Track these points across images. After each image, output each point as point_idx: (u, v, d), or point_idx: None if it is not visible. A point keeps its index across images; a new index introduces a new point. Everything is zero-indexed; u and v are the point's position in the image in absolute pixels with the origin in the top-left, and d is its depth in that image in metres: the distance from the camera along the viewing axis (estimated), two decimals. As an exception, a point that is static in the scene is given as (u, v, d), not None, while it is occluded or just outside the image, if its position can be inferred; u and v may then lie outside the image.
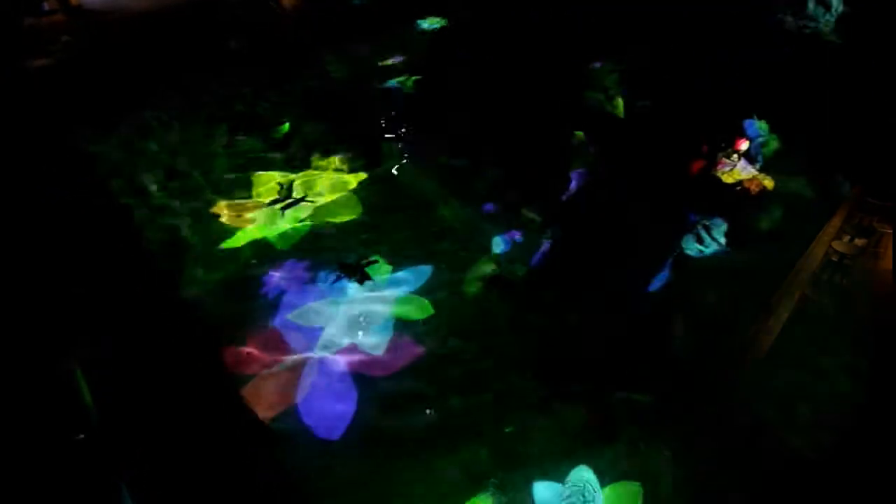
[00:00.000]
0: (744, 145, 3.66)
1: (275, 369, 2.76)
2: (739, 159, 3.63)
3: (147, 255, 3.29)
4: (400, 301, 3.05)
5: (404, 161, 3.99)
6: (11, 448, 2.24)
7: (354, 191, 3.74)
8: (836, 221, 3.31)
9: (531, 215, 3.49)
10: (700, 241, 3.24)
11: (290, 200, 3.65)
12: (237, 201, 3.69)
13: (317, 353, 2.82)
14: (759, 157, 3.69)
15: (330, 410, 2.61)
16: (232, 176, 3.86)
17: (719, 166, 3.63)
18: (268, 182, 3.82)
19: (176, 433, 2.44)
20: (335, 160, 3.95)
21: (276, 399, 2.64)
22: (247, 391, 2.65)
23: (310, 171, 3.89)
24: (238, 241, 3.42)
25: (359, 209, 3.61)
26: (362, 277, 3.15)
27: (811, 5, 4.04)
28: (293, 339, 2.89)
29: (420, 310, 3.01)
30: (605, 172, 3.72)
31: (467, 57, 4.77)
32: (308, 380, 2.72)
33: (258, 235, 3.44)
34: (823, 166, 3.58)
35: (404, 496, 2.34)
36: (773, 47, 4.10)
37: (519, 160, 3.88)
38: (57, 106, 4.27)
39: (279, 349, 2.83)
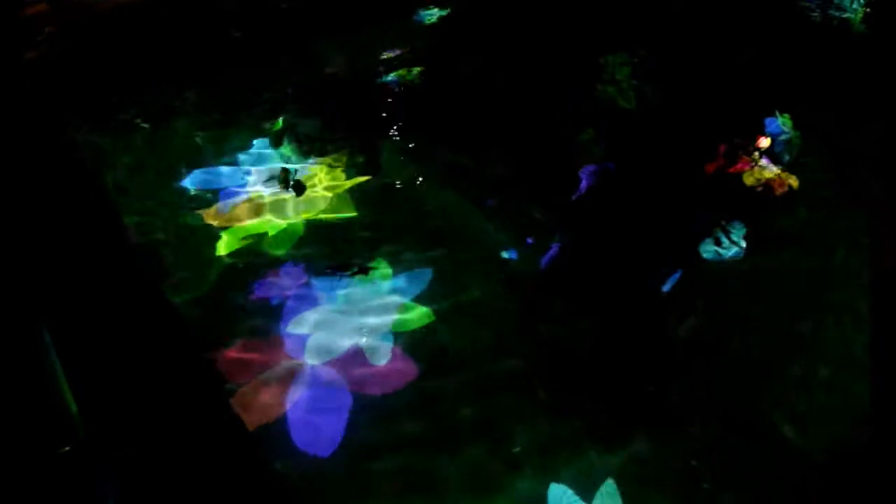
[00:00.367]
0: (765, 142, 3.57)
1: (266, 377, 2.71)
2: (761, 157, 3.53)
3: (135, 256, 3.27)
4: (400, 308, 3.00)
5: (405, 158, 3.94)
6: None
7: (352, 189, 3.70)
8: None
9: (539, 216, 3.43)
10: (718, 243, 3.16)
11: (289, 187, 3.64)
12: (231, 200, 3.67)
13: (311, 362, 2.77)
14: (784, 155, 3.59)
15: (320, 424, 2.55)
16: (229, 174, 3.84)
17: (740, 165, 3.53)
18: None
19: (164, 445, 2.38)
20: (332, 157, 3.92)
21: (266, 408, 2.59)
22: (237, 399, 2.61)
23: (307, 168, 3.86)
24: (232, 241, 3.40)
25: (356, 209, 3.57)
26: (357, 279, 3.10)
27: (838, -7, 3.99)
28: (288, 346, 2.84)
29: (421, 317, 2.95)
30: (618, 170, 3.64)
31: (472, 48, 4.71)
32: (299, 390, 2.67)
33: (252, 234, 3.43)
34: (851, 165, 3.48)
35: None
36: (797, 38, 4.05)
37: (526, 157, 3.81)
38: (43, 101, 4.21)
39: (273, 356, 2.79)
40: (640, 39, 4.38)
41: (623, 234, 3.29)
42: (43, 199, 3.39)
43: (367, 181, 3.76)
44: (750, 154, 3.54)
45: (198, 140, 4.13)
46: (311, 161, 3.90)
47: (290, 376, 2.71)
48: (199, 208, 3.59)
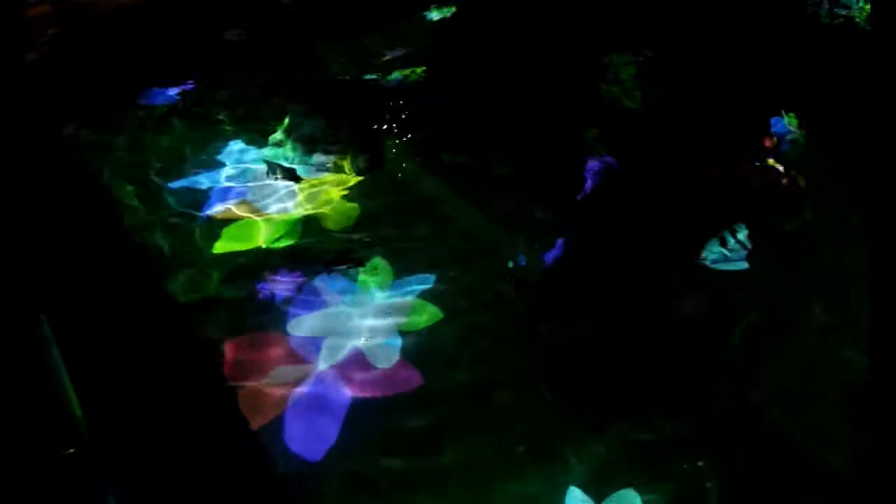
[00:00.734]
0: (771, 142, 3.59)
1: (265, 378, 2.69)
2: (767, 157, 3.53)
3: (135, 256, 3.28)
4: (404, 308, 2.99)
5: (408, 158, 3.94)
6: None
7: (355, 190, 3.71)
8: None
9: (543, 215, 3.42)
10: (724, 244, 3.16)
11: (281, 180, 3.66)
12: (232, 201, 3.67)
13: (311, 364, 2.76)
14: (790, 155, 3.60)
15: (315, 428, 2.53)
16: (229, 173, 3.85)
17: (745, 165, 3.53)
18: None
19: (167, 446, 2.40)
20: (335, 157, 3.90)
21: (264, 409, 2.57)
22: (239, 399, 2.60)
23: (308, 169, 3.86)
24: (232, 242, 3.40)
25: (359, 209, 3.57)
26: (357, 277, 3.10)
27: (844, -9, 3.98)
28: (289, 347, 2.82)
29: (425, 317, 2.93)
30: (622, 170, 3.64)
31: (476, 48, 4.71)
32: (297, 392, 2.65)
33: (252, 234, 3.43)
34: (857, 164, 3.48)
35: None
36: (801, 37, 4.03)
37: (531, 157, 3.80)
38: (45, 103, 4.27)
39: (273, 357, 2.77)
40: (643, 39, 4.37)
41: (627, 234, 3.27)
42: (43, 198, 3.41)
43: (370, 181, 3.77)
44: (755, 154, 3.53)
45: (199, 140, 4.13)
46: (314, 161, 3.90)
47: (290, 378, 2.70)
48: (198, 209, 3.59)
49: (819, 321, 2.82)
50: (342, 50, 5.08)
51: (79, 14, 4.93)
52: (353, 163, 3.87)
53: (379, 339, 2.85)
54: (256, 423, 2.53)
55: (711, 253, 3.14)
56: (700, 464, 2.32)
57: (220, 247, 3.36)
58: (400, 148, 4.02)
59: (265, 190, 3.74)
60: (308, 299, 3.04)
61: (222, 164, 3.94)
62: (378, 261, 3.21)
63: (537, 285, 3.08)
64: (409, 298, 3.03)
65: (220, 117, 4.33)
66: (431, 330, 2.88)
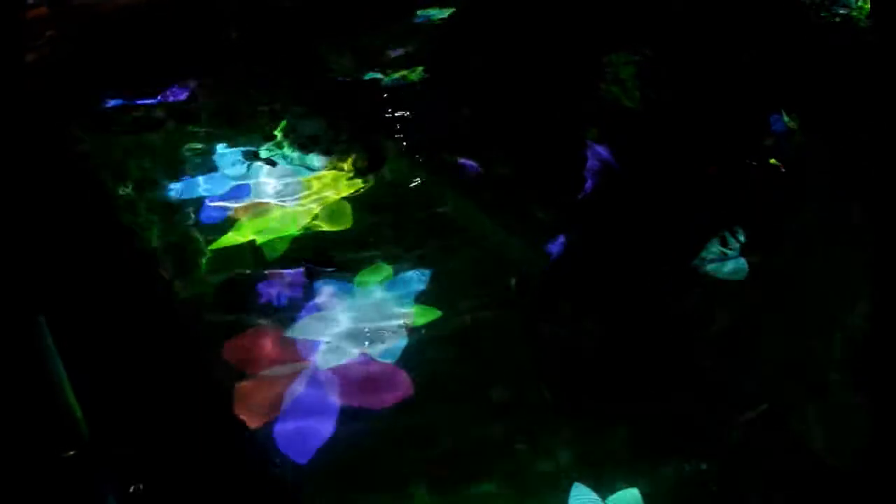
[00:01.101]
0: (769, 141, 3.58)
1: (260, 379, 2.69)
2: (767, 156, 3.54)
3: (135, 258, 3.27)
4: (403, 307, 2.99)
5: (407, 158, 3.94)
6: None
7: (355, 190, 3.70)
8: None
9: (543, 216, 3.42)
10: (724, 243, 3.16)
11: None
12: (231, 202, 3.67)
13: (305, 366, 2.75)
14: (789, 154, 3.59)
15: (307, 429, 2.52)
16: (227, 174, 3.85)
17: (744, 164, 3.54)
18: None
19: (167, 447, 2.40)
20: (335, 158, 3.91)
21: (258, 410, 2.57)
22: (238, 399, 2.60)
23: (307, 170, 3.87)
24: (230, 242, 3.40)
25: (358, 209, 3.56)
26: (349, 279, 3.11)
27: (842, -11, 3.98)
28: (283, 348, 2.83)
29: (425, 316, 2.93)
30: (622, 170, 3.64)
31: (475, 48, 4.71)
32: (290, 394, 2.64)
33: (251, 235, 3.43)
34: (857, 163, 3.48)
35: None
36: (801, 35, 4.03)
37: (531, 157, 3.81)
38: (44, 104, 4.26)
39: (268, 359, 2.78)
40: (643, 38, 4.37)
41: (627, 233, 3.29)
42: (42, 198, 3.41)
43: (369, 181, 3.76)
44: (755, 153, 3.54)
45: (198, 141, 4.13)
46: (313, 162, 3.91)
47: (287, 378, 2.70)
48: (197, 209, 3.60)
49: (818, 320, 2.83)
50: (341, 50, 5.09)
51: (77, 15, 4.94)
52: (352, 163, 3.87)
53: (377, 339, 2.85)
54: (254, 423, 2.53)
55: (711, 252, 3.14)
56: (702, 465, 2.32)
57: (218, 246, 3.37)
58: (399, 148, 4.02)
59: (264, 190, 3.74)
60: (306, 300, 3.05)
61: (221, 165, 3.94)
62: (377, 261, 3.21)
63: (537, 285, 3.07)
64: (407, 298, 3.03)
65: (220, 118, 4.33)
66: (429, 329, 2.88)
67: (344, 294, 3.08)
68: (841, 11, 4.07)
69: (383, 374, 2.71)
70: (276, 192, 3.72)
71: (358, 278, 3.15)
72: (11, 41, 3.95)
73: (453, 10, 5.50)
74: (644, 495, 2.26)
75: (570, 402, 2.56)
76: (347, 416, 2.57)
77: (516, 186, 3.64)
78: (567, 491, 2.28)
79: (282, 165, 3.91)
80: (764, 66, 4.05)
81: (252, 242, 3.39)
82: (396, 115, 4.25)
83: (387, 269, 3.17)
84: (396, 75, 4.66)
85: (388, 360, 2.75)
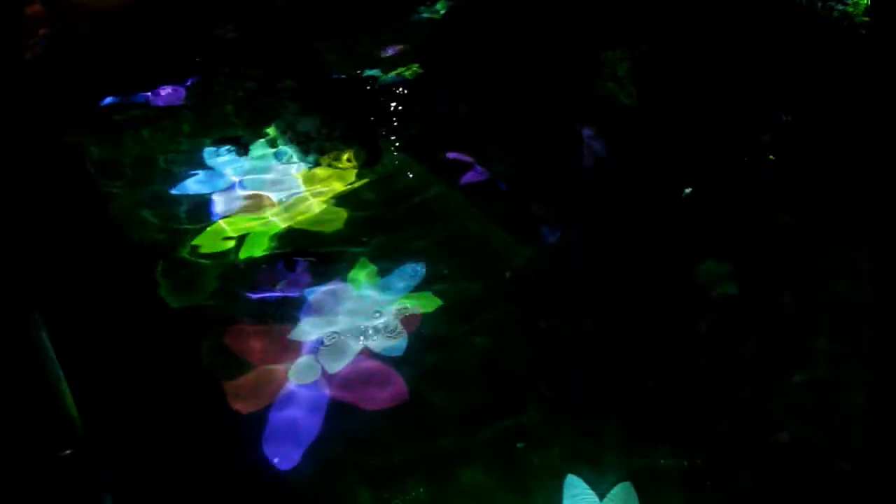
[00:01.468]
0: (767, 138, 3.59)
1: (249, 377, 2.70)
2: (765, 154, 3.55)
3: (132, 256, 3.29)
4: (395, 304, 2.99)
5: (403, 156, 3.94)
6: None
7: (351, 187, 3.70)
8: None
9: (541, 213, 3.43)
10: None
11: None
12: (226, 201, 3.67)
13: (308, 362, 2.76)
14: (785, 152, 3.60)
15: (299, 427, 2.54)
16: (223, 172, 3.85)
17: (742, 162, 3.55)
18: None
19: (164, 446, 2.40)
20: (331, 156, 3.92)
21: (264, 408, 2.59)
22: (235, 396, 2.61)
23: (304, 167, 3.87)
24: (227, 240, 3.41)
25: (354, 207, 3.57)
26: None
27: (840, -17, 3.96)
28: (286, 346, 2.83)
29: (419, 309, 2.94)
30: (620, 168, 3.65)
31: (472, 45, 4.70)
32: (280, 392, 2.66)
33: (246, 233, 3.44)
34: (856, 160, 3.48)
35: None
36: (795, 31, 4.03)
37: (527, 154, 3.81)
38: (40, 102, 4.25)
39: (271, 357, 2.78)
40: (640, 35, 4.36)
41: (627, 232, 3.29)
42: (39, 197, 3.40)
43: (365, 178, 3.76)
44: (754, 151, 3.55)
45: (194, 139, 4.15)
46: (309, 159, 3.91)
47: (284, 376, 2.71)
48: (192, 207, 3.61)
49: (817, 317, 2.83)
50: (337, 48, 5.08)
51: (72, 13, 4.92)
52: (348, 161, 3.88)
53: (368, 336, 2.85)
54: (251, 421, 2.54)
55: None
56: (697, 461, 2.33)
57: (213, 245, 3.38)
58: (395, 145, 4.02)
59: (260, 188, 3.75)
60: (300, 297, 3.06)
61: (217, 163, 3.94)
62: (371, 258, 3.22)
63: (534, 281, 3.07)
64: (400, 294, 3.04)
65: (216, 116, 4.34)
66: (423, 325, 2.89)
67: (335, 290, 3.08)
68: (839, 8, 4.07)
69: (377, 372, 2.71)
70: (271, 188, 3.72)
71: (350, 274, 3.15)
72: (11, 40, 3.94)
73: (448, 6, 5.51)
74: (640, 491, 2.27)
75: (569, 401, 2.56)
76: (340, 412, 2.57)
77: (513, 183, 3.64)
78: (561, 487, 2.29)
79: (277, 162, 3.92)
80: (762, 62, 4.05)
81: (248, 240, 3.39)
82: (392, 112, 4.25)
83: (381, 265, 3.18)
84: (392, 72, 4.66)
85: (381, 357, 2.76)
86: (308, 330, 2.90)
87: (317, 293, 3.08)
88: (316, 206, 3.60)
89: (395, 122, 4.19)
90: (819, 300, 2.89)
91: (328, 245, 3.33)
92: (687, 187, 3.43)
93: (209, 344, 2.84)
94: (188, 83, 4.65)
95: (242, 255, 3.30)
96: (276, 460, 2.42)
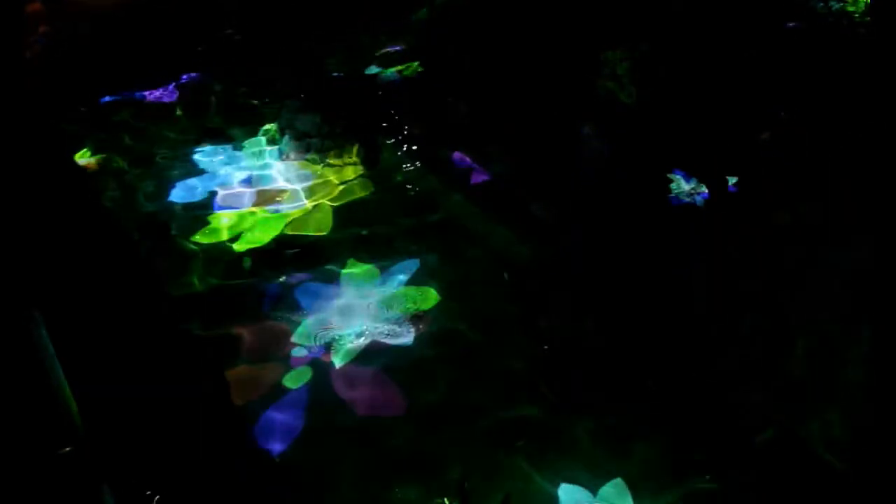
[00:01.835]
0: (766, 136, 3.58)
1: (263, 372, 2.73)
2: (763, 152, 3.55)
3: (130, 253, 3.29)
4: (392, 300, 3.00)
5: (403, 153, 3.95)
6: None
7: (349, 184, 3.71)
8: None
9: (540, 212, 3.43)
10: None
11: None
12: (227, 198, 3.69)
13: (310, 356, 2.79)
14: (783, 150, 3.59)
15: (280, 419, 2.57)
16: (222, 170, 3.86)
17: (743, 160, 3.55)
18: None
19: (166, 444, 2.39)
20: (331, 153, 3.93)
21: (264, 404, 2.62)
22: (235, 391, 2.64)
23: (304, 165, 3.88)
24: (223, 238, 3.42)
25: (353, 203, 3.59)
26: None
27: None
28: (286, 342, 2.85)
29: (428, 300, 2.96)
30: (621, 167, 3.64)
31: (472, 44, 4.69)
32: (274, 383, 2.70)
33: (247, 231, 3.45)
34: (856, 158, 3.49)
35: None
36: (798, 30, 4.03)
37: (527, 154, 3.81)
38: (40, 100, 4.23)
39: (271, 351, 2.81)
40: (641, 35, 4.36)
41: (627, 231, 3.29)
42: (39, 195, 3.39)
43: (364, 175, 3.78)
44: (754, 149, 3.55)
45: (193, 136, 4.16)
46: (308, 156, 3.93)
47: (284, 371, 2.74)
48: (189, 204, 3.63)
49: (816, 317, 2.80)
50: (336, 46, 5.09)
51: (71, 12, 4.92)
52: (347, 158, 3.90)
53: (361, 334, 2.87)
54: (249, 420, 2.57)
55: None
56: (696, 456, 2.35)
57: (210, 241, 3.39)
58: (395, 144, 4.04)
59: (259, 184, 3.76)
60: (296, 293, 3.07)
61: (215, 160, 3.95)
62: (368, 255, 3.24)
63: (534, 280, 3.08)
64: (396, 291, 3.06)
65: (216, 113, 4.37)
66: (421, 324, 2.90)
67: (331, 289, 3.10)
68: (837, 6, 4.07)
69: (373, 378, 2.72)
70: (270, 185, 3.74)
71: (345, 271, 3.17)
72: (11, 39, 3.93)
73: (448, 4, 5.50)
74: (636, 487, 2.29)
75: (569, 400, 2.57)
76: (336, 410, 2.60)
77: (513, 182, 3.65)
78: (559, 486, 2.31)
79: (276, 159, 3.93)
80: (762, 61, 4.05)
81: (246, 237, 3.41)
82: (392, 110, 4.27)
83: (378, 262, 3.19)
84: (391, 72, 4.67)
85: (386, 354, 2.77)
86: (309, 330, 2.92)
87: (314, 290, 3.09)
88: (315, 202, 3.60)
89: (394, 120, 4.20)
90: (817, 299, 2.87)
91: (325, 241, 3.35)
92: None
93: (208, 340, 2.87)
94: (187, 81, 4.65)
95: (241, 251, 3.32)
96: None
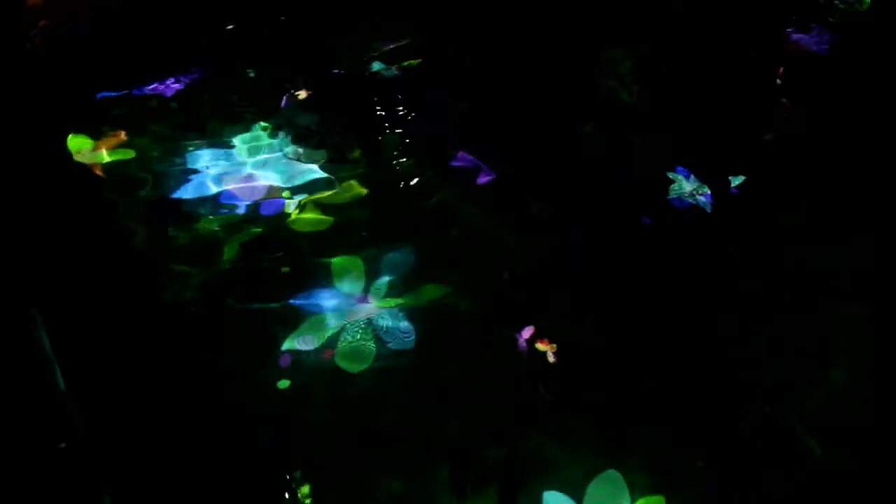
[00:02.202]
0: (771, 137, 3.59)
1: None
2: (768, 151, 3.56)
3: (125, 251, 3.29)
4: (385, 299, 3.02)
5: (403, 151, 3.94)
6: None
7: (350, 182, 3.70)
8: None
9: (540, 212, 3.44)
10: None
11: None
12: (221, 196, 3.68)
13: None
14: (790, 149, 3.61)
15: None
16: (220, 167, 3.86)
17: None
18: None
19: (162, 440, 2.42)
20: (330, 151, 3.92)
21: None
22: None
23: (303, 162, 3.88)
24: (217, 236, 3.43)
25: (353, 202, 3.58)
26: None
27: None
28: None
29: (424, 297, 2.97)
30: (621, 166, 3.65)
31: (472, 41, 4.68)
32: None
33: (240, 231, 3.45)
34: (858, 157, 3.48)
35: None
36: (801, 29, 4.02)
37: (527, 153, 3.80)
38: (39, 97, 4.19)
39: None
40: (641, 35, 4.35)
41: (627, 231, 3.31)
42: (38, 193, 3.39)
43: (365, 174, 3.76)
44: (756, 148, 3.57)
45: (193, 134, 4.13)
46: (309, 155, 3.91)
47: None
48: (187, 202, 3.62)
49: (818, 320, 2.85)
50: (337, 44, 5.04)
51: (71, 6, 4.91)
52: (347, 156, 3.89)
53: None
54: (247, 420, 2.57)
55: None
56: (698, 462, 2.36)
57: (205, 238, 3.40)
58: (395, 141, 4.03)
59: (257, 184, 3.75)
60: (290, 293, 3.08)
61: (215, 158, 3.93)
62: (365, 253, 3.24)
63: (534, 281, 3.08)
64: (392, 288, 3.06)
65: (215, 109, 4.33)
66: (419, 324, 2.90)
67: (325, 289, 3.10)
68: (841, 6, 4.06)
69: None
70: (269, 184, 3.72)
71: (339, 268, 3.17)
72: (10, 38, 3.93)
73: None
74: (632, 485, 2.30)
75: (568, 401, 2.58)
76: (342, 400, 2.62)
77: (513, 181, 3.64)
78: (555, 487, 2.32)
79: (276, 157, 3.91)
80: (764, 60, 4.05)
81: (243, 236, 3.40)
82: (392, 108, 4.26)
83: (375, 261, 3.19)
84: (392, 69, 4.66)
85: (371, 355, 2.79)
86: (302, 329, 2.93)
87: (308, 290, 3.10)
88: (313, 200, 3.60)
89: (394, 118, 4.19)
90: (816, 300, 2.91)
91: (322, 240, 3.35)
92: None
93: (213, 342, 2.88)
94: (187, 77, 4.63)
95: (227, 256, 3.31)
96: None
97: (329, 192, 3.65)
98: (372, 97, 4.36)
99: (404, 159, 3.88)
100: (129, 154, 3.94)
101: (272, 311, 2.99)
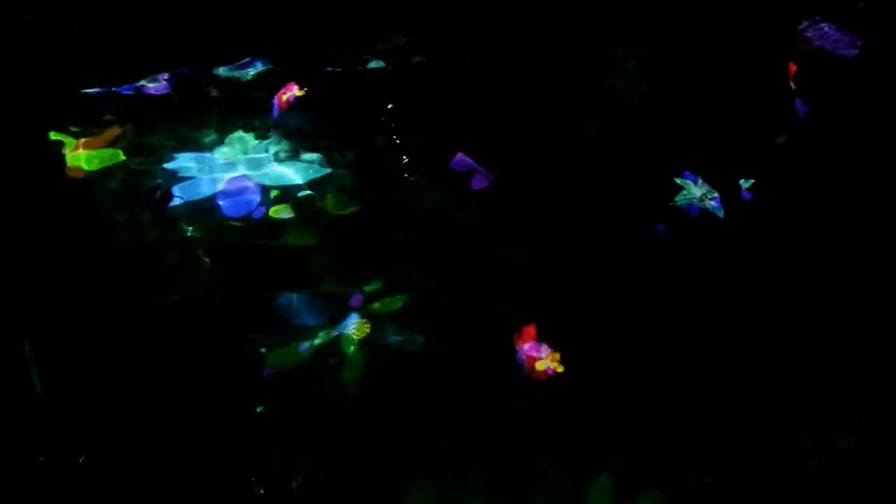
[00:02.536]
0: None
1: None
2: (772, 151, 3.56)
3: (117, 253, 3.29)
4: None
5: (400, 152, 3.93)
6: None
7: (343, 185, 3.70)
8: None
9: (540, 212, 3.42)
10: None
11: None
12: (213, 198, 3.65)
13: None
14: (794, 149, 3.60)
15: None
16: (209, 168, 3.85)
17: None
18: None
19: (151, 449, 2.42)
20: (325, 151, 3.91)
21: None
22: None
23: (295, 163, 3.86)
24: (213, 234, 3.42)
25: (350, 202, 3.57)
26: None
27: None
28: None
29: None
30: (623, 166, 3.63)
31: (473, 39, 4.68)
32: None
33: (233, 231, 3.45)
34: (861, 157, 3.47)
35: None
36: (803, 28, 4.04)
37: (527, 153, 3.79)
38: (26, 93, 4.24)
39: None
40: (643, 34, 4.36)
41: (628, 231, 3.30)
42: (30, 198, 3.39)
43: (358, 175, 3.75)
44: (759, 148, 3.54)
45: (184, 134, 4.12)
46: (301, 156, 3.89)
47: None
48: (182, 206, 3.60)
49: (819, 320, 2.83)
50: (333, 42, 5.03)
51: (66, 2, 4.93)
52: (341, 157, 3.87)
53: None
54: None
55: None
56: (697, 461, 2.37)
57: (188, 241, 3.39)
58: (390, 143, 4.01)
59: (246, 185, 3.73)
60: (279, 301, 3.07)
61: (207, 158, 3.91)
62: (344, 263, 3.24)
63: (535, 282, 3.07)
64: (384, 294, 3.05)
65: (210, 108, 4.32)
66: (418, 324, 2.90)
67: (316, 298, 3.08)
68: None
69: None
70: (257, 185, 3.70)
71: (326, 266, 3.19)
72: (10, 37, 3.94)
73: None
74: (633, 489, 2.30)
75: (567, 401, 2.58)
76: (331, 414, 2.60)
77: (513, 182, 3.62)
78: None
79: (266, 159, 3.89)
80: (768, 59, 4.03)
81: (236, 236, 3.41)
82: (390, 109, 4.23)
83: (372, 264, 3.19)
84: (391, 69, 4.65)
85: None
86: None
87: (299, 299, 3.08)
88: (306, 203, 3.58)
89: (392, 119, 4.16)
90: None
91: (314, 246, 3.34)
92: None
93: (205, 347, 2.85)
94: (181, 74, 4.65)
95: (230, 252, 3.31)
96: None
97: (322, 195, 3.64)
98: (368, 97, 4.34)
99: (401, 160, 3.87)
100: (111, 153, 3.91)
101: (257, 318, 2.98)
